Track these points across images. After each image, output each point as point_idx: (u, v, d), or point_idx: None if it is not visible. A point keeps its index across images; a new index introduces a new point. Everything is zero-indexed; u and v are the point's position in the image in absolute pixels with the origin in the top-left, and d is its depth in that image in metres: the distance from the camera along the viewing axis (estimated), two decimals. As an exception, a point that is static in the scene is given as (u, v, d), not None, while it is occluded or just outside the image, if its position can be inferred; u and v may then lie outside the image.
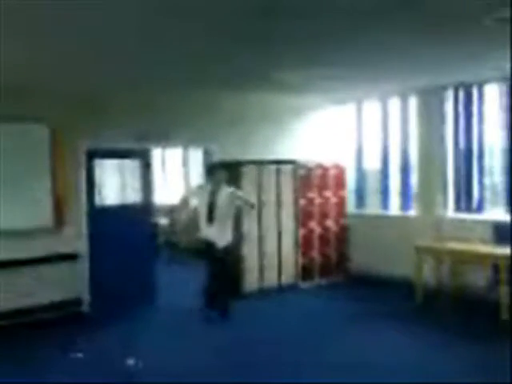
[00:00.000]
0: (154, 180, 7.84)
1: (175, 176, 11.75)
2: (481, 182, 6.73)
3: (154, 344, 5.25)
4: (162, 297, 6.93)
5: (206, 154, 7.89)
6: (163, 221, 9.95)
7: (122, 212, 6.85)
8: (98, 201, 6.70)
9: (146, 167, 7.14)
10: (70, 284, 6.39)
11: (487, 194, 6.74)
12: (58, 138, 6.25)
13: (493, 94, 6.56)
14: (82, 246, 6.49)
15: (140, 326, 5.89)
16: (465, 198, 6.86)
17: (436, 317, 5.97)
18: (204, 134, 7.27)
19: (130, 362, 4.70)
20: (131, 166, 7.00)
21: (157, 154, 10.95)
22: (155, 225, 8.42)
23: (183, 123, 7.08)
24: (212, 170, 6.45)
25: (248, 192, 6.88)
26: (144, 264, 6.96)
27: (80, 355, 4.94)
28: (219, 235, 6.09)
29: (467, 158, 6.82)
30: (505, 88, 6.36)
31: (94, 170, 6.68)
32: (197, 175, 10.74)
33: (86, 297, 6.53)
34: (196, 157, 10.59)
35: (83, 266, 6.51)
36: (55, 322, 6.01)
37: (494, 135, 6.59)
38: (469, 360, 4.62)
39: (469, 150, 6.79)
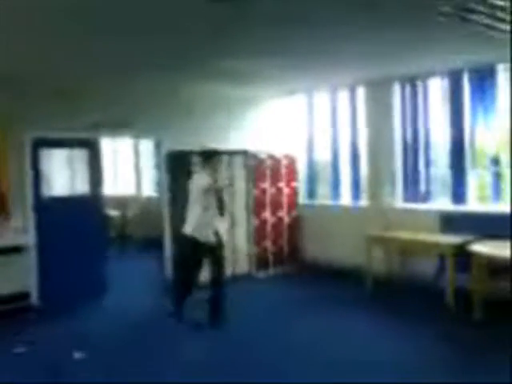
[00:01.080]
0: (105, 171, 7.68)
1: (126, 167, 11.57)
2: (427, 173, 6.94)
3: (102, 338, 5.17)
4: (114, 289, 6.81)
5: (157, 144, 7.80)
6: (114, 213, 9.79)
7: (70, 203, 6.67)
8: (45, 192, 6.50)
9: (96, 158, 6.98)
10: (18, 277, 6.17)
11: (434, 185, 6.96)
12: (2, 127, 6.03)
13: (437, 87, 6.76)
14: (29, 238, 6.30)
15: (90, 320, 5.78)
16: (412, 189, 7.07)
17: (385, 303, 6.14)
18: (155, 124, 7.17)
19: (77, 355, 4.64)
20: (80, 156, 6.83)
21: (107, 144, 10.74)
22: (106, 217, 8.26)
23: (135, 113, 6.95)
24: (207, 156, 5.65)
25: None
26: (95, 256, 6.80)
27: (24, 349, 4.83)
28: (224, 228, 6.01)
29: (414, 150, 7.01)
30: (448, 81, 6.56)
31: (41, 160, 6.46)
32: (148, 167, 10.61)
33: (35, 290, 6.35)
34: (147, 148, 10.46)
35: (31, 259, 6.32)
36: (3, 316, 5.81)
37: (439, 128, 6.79)
38: (416, 341, 4.83)
39: (415, 142, 6.98)
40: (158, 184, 7.66)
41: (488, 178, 6.29)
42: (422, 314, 5.61)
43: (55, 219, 6.42)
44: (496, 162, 6.19)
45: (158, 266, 7.41)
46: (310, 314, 5.83)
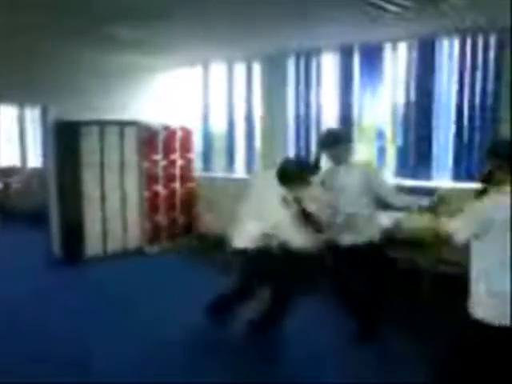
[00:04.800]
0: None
1: (9, 137, 10.81)
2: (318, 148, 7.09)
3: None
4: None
5: (44, 112, 7.31)
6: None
7: None
8: None
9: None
10: None
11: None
12: None
13: (330, 63, 6.90)
14: None
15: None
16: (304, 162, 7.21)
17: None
18: (41, 91, 6.70)
19: None
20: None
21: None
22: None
23: (17, 79, 6.43)
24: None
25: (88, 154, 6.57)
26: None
27: None
28: None
29: (306, 126, 7.15)
30: (338, 57, 6.72)
31: None
32: (34, 137, 9.97)
33: None
34: (33, 116, 9.82)
35: None
36: None
37: (330, 104, 6.95)
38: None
39: (307, 118, 7.11)
40: (45, 155, 7.20)
41: (374, 151, 6.57)
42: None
43: None
44: (381, 136, 6.48)
45: (43, 240, 7.01)
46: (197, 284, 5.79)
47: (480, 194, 2.81)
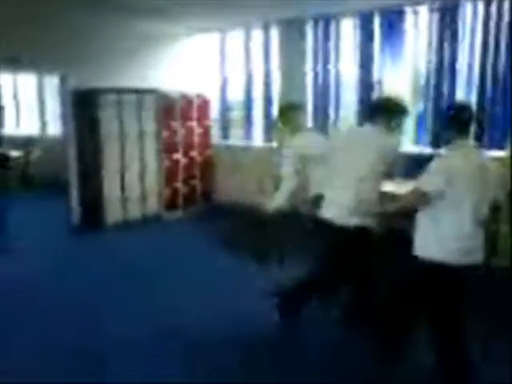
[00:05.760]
0: (4, 109, 7.13)
1: (29, 105, 10.87)
2: (337, 116, 7.04)
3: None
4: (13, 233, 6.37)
5: (63, 81, 7.31)
6: (16, 153, 9.22)
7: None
8: None
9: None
10: None
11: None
12: None
13: (349, 29, 6.74)
14: None
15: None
16: (322, 130, 7.16)
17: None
18: (60, 59, 6.67)
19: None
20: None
21: (7, 80, 10.03)
22: (5, 157, 7.74)
23: (36, 46, 6.41)
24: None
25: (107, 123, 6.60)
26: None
27: None
28: None
29: (324, 93, 7.06)
30: (359, 22, 6.57)
31: None
32: (53, 105, 10.00)
33: None
34: (51, 85, 9.82)
35: None
36: None
37: (350, 71, 6.83)
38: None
39: (326, 85, 7.02)
40: (65, 124, 7.24)
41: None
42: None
43: None
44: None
45: (63, 210, 7.12)
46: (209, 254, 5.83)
47: None
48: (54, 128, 10.07)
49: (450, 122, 2.96)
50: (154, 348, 3.69)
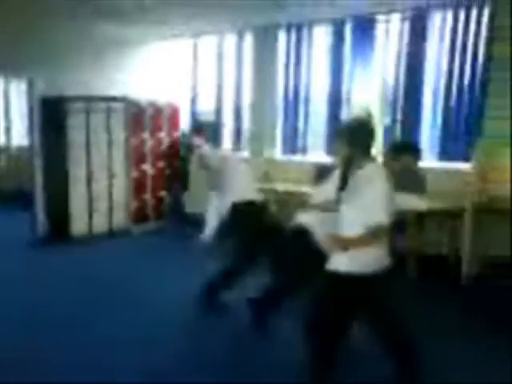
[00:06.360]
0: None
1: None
2: (306, 126, 7.04)
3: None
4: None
5: (30, 87, 7.15)
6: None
7: None
8: None
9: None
10: None
11: (312, 138, 7.11)
12: None
13: (321, 37, 6.73)
14: None
15: None
16: (291, 141, 7.18)
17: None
18: (27, 64, 6.53)
19: None
20: None
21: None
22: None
23: (3, 51, 6.24)
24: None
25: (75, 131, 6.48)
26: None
27: None
28: None
29: (295, 103, 7.04)
30: (331, 29, 6.57)
31: None
32: (19, 111, 9.77)
33: None
34: (19, 90, 9.61)
35: None
36: None
37: (320, 80, 6.84)
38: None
39: (297, 95, 7.00)
40: (31, 132, 7.07)
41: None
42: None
43: None
44: (368, 115, 6.42)
45: (28, 222, 6.96)
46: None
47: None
48: (19, 137, 9.84)
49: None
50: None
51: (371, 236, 2.83)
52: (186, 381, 3.35)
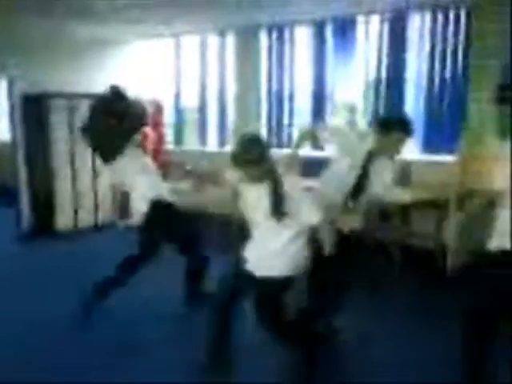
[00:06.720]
0: None
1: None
2: (290, 122, 7.11)
3: None
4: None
5: (11, 85, 7.09)
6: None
7: None
8: None
9: None
10: None
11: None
12: None
13: (303, 36, 6.83)
14: None
15: None
16: (276, 136, 7.23)
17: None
18: (7, 63, 6.49)
19: None
20: None
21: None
22: None
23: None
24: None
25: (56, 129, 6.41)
26: None
27: None
28: None
29: (279, 99, 7.11)
30: (313, 30, 6.66)
31: None
32: (0, 108, 9.64)
33: None
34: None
35: None
36: None
37: (304, 78, 6.90)
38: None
39: (281, 91, 7.08)
40: (13, 128, 7.01)
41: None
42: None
43: None
44: (352, 110, 6.50)
45: (13, 216, 6.90)
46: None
47: None
48: (0, 133, 9.73)
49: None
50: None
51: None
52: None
